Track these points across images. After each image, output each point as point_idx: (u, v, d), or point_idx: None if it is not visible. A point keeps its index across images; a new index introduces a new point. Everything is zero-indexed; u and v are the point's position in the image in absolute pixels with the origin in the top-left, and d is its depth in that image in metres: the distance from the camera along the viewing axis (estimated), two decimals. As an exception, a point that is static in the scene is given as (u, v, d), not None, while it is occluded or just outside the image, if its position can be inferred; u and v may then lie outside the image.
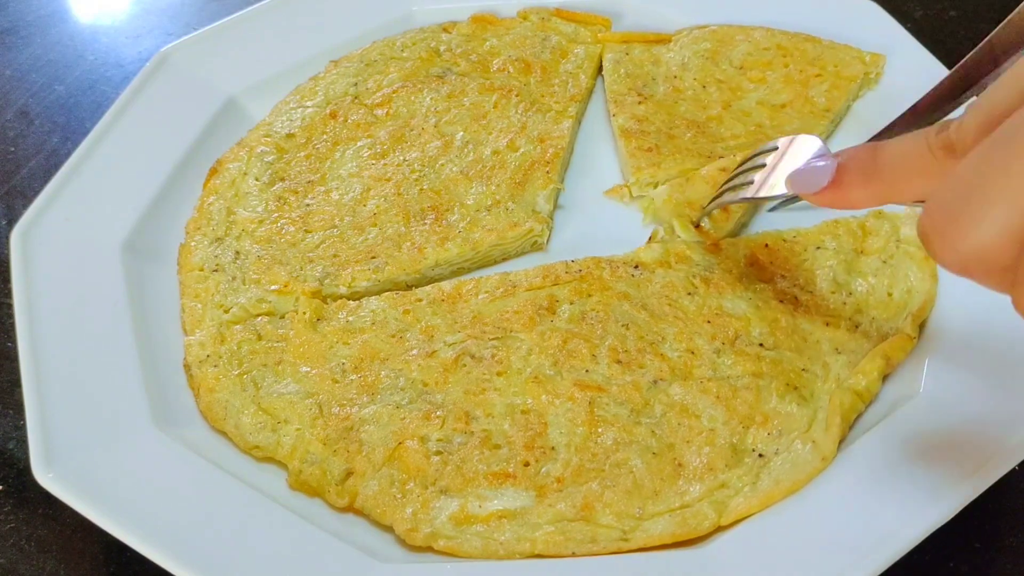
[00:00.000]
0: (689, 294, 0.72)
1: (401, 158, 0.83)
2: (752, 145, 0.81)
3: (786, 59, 0.87)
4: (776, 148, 0.66)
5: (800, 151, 0.63)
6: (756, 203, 0.76)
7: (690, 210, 0.77)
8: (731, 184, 0.71)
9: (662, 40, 0.91)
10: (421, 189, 0.80)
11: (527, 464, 0.63)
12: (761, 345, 0.68)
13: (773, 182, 0.64)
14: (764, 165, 0.67)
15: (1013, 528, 0.64)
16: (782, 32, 0.90)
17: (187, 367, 0.71)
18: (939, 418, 0.62)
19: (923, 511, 0.56)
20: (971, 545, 0.63)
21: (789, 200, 0.72)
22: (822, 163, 0.51)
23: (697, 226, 0.77)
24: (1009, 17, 0.65)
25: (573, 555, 0.59)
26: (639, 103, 0.85)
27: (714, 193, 0.76)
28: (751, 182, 0.66)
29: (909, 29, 0.88)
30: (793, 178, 0.54)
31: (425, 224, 0.78)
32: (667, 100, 0.86)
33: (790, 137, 0.65)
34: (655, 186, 0.81)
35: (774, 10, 0.92)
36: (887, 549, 0.55)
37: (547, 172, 0.81)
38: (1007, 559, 0.63)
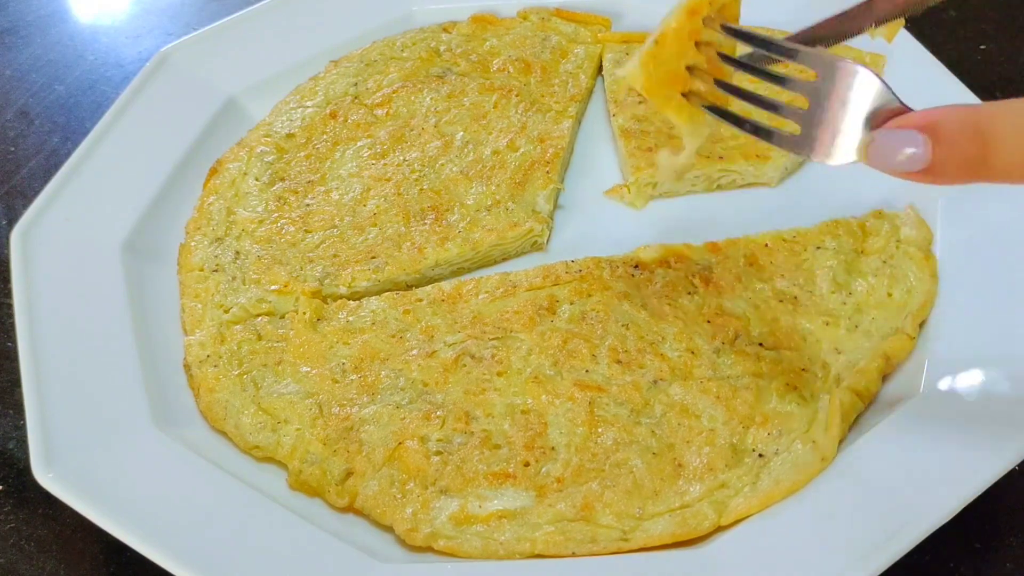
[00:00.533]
0: (689, 294, 0.72)
1: (401, 158, 0.83)
2: (752, 145, 0.81)
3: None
4: (817, 73, 0.50)
5: (859, 95, 0.47)
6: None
7: (670, 79, 0.59)
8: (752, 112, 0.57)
9: None
10: (421, 189, 0.80)
11: (527, 464, 0.63)
12: (761, 345, 0.68)
13: (830, 139, 0.48)
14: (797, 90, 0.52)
15: (1013, 528, 0.64)
16: (782, 32, 0.89)
17: (187, 367, 0.71)
18: (939, 418, 0.62)
19: (922, 511, 0.56)
20: (971, 545, 0.63)
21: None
22: (914, 140, 0.41)
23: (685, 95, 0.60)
24: None
25: (573, 555, 0.59)
26: (639, 103, 0.85)
27: (688, 48, 0.58)
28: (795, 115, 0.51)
29: (909, 29, 0.88)
30: (877, 151, 0.43)
31: (425, 224, 0.78)
32: None
33: (834, 61, 0.48)
34: (654, 186, 0.81)
35: (773, 10, 0.92)
36: (887, 549, 0.55)
37: (547, 172, 0.81)
38: (1007, 559, 0.63)
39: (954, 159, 0.41)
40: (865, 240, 0.74)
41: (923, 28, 0.92)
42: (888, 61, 0.86)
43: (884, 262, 0.72)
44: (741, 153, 0.80)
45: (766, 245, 0.74)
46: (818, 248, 0.74)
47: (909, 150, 0.41)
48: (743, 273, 0.73)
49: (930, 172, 0.41)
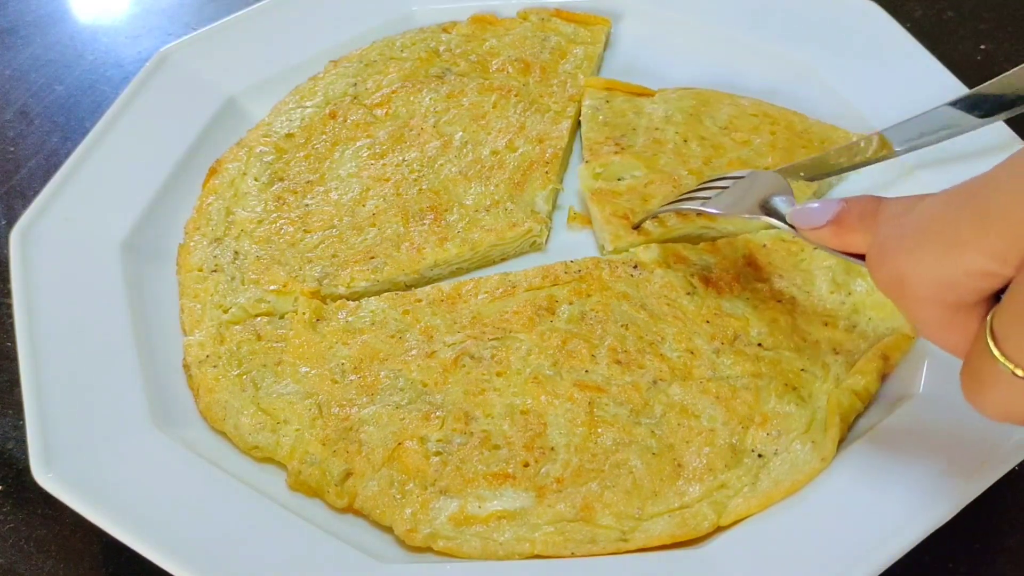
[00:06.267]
0: (688, 294, 0.72)
1: (400, 158, 0.83)
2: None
3: (773, 127, 0.83)
4: (740, 177, 0.67)
5: (766, 182, 0.64)
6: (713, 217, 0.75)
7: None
8: (691, 195, 0.70)
9: (645, 94, 0.87)
10: (420, 189, 0.80)
11: (527, 465, 0.63)
12: (760, 345, 0.68)
13: (744, 203, 0.64)
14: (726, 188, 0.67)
15: (1013, 528, 0.64)
16: (769, 104, 0.86)
17: (187, 367, 0.71)
18: (939, 418, 0.62)
19: (923, 511, 0.56)
20: (971, 546, 0.63)
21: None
22: (827, 203, 0.54)
23: (637, 228, 0.76)
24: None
25: (572, 555, 0.59)
26: (615, 153, 0.81)
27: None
28: (709, 198, 0.67)
29: (909, 29, 0.88)
30: (796, 212, 0.58)
31: (424, 224, 0.78)
32: (646, 152, 0.81)
33: (751, 171, 0.67)
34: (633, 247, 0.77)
35: (777, 8, 0.92)
36: (887, 549, 0.55)
37: (546, 172, 0.81)
38: (1007, 560, 0.63)
39: (855, 214, 0.52)
40: (865, 240, 0.74)
41: (922, 28, 0.92)
42: (887, 62, 0.86)
43: (883, 262, 0.72)
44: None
45: (764, 245, 0.74)
46: (816, 248, 0.73)
47: (823, 207, 0.54)
48: (742, 273, 0.73)
49: (835, 223, 0.53)
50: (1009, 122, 0.74)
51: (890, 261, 0.46)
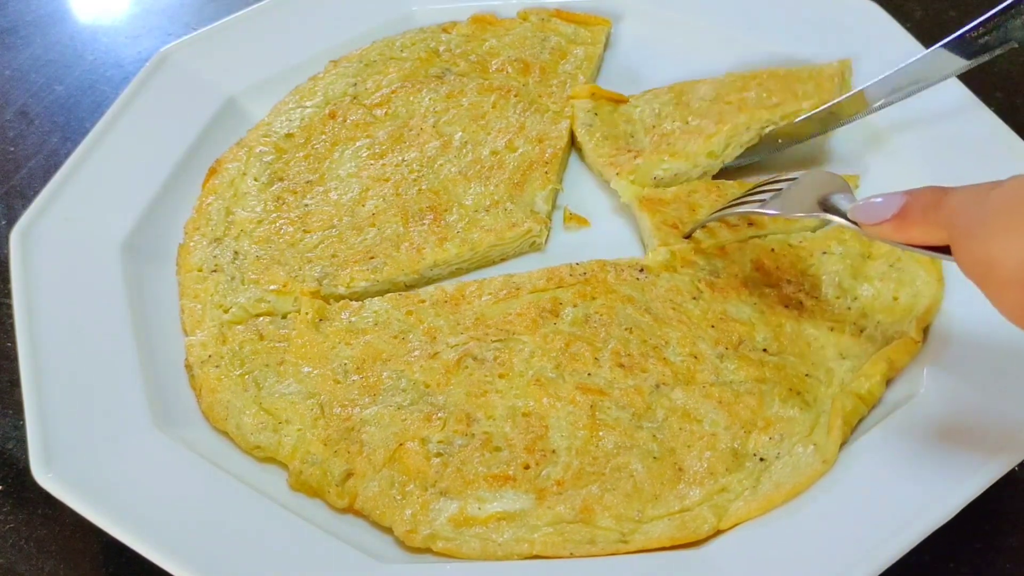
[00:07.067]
0: (694, 298, 0.71)
1: (400, 158, 0.83)
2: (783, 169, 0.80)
3: (756, 80, 0.84)
4: (793, 178, 0.66)
5: (823, 181, 0.64)
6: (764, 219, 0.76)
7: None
8: (744, 199, 0.70)
9: (620, 100, 0.87)
10: (420, 189, 0.80)
11: (527, 467, 0.63)
12: (765, 350, 0.68)
13: (803, 203, 0.64)
14: (779, 190, 0.67)
15: (1013, 528, 0.64)
16: (738, 72, 0.87)
17: (189, 367, 0.71)
18: (939, 419, 0.62)
19: (923, 511, 0.56)
20: (971, 545, 0.63)
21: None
22: (890, 196, 0.54)
23: (688, 237, 0.75)
24: None
25: (571, 556, 0.59)
26: (635, 158, 0.81)
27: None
28: (765, 200, 0.67)
29: (909, 29, 0.88)
30: (858, 208, 0.57)
31: (423, 224, 0.78)
32: (660, 147, 0.81)
33: (804, 172, 0.67)
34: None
35: (777, 8, 0.92)
36: (887, 549, 0.55)
37: (545, 172, 0.81)
38: (1007, 559, 0.63)
39: (918, 207, 0.52)
40: (872, 244, 0.74)
41: (922, 28, 0.92)
42: (887, 62, 0.86)
43: (891, 266, 0.72)
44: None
45: (772, 250, 0.74)
46: (824, 253, 0.73)
47: (886, 201, 0.54)
48: (749, 278, 0.73)
49: (899, 217, 0.53)
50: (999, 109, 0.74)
51: (977, 246, 0.46)
